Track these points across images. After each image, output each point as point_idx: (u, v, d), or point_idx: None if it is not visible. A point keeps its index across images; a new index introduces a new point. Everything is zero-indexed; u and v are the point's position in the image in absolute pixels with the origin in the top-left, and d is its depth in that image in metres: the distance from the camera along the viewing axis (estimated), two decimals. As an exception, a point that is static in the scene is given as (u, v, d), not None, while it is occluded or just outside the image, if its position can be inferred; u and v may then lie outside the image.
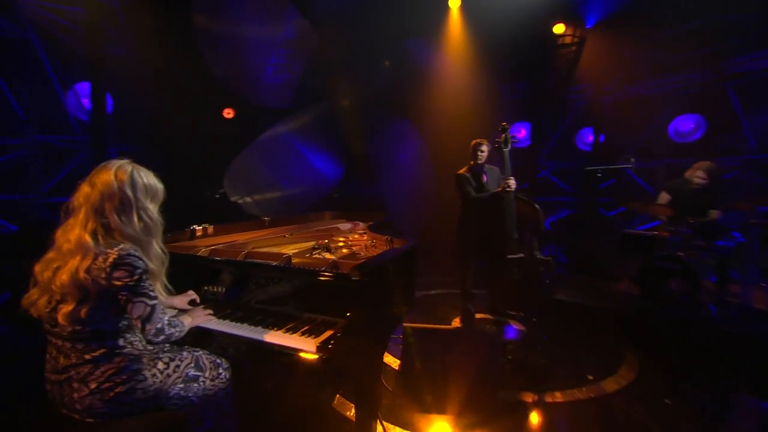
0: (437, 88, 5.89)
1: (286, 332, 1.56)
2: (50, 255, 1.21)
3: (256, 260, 1.90)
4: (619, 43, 5.06)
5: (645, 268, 3.70)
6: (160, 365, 1.28)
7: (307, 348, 1.44)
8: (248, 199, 5.87)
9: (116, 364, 1.21)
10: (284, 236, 2.53)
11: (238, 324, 1.63)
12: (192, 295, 1.70)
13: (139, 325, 1.19)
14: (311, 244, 2.31)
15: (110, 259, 1.17)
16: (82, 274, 1.15)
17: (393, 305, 1.84)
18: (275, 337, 1.53)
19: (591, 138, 5.82)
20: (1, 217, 4.48)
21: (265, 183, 5.99)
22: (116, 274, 1.16)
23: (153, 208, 1.32)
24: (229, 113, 6.03)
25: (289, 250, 2.14)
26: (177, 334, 1.31)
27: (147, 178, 1.33)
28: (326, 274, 1.61)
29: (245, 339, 1.54)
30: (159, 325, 1.24)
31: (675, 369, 2.81)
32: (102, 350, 1.19)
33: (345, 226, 3.12)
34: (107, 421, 1.16)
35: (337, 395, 2.32)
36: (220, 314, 1.69)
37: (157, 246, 1.31)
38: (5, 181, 4.56)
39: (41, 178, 4.84)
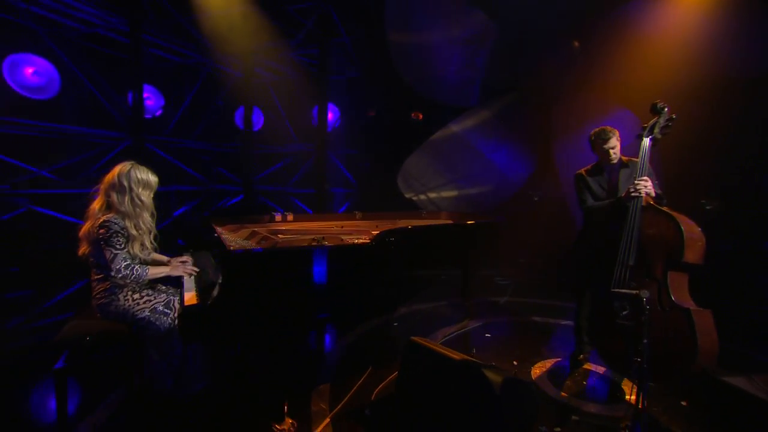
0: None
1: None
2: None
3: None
4: None
5: None
6: (136, 295, 2.01)
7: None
8: (423, 197, 6.39)
9: (104, 286, 2.01)
10: (337, 227, 2.91)
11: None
12: (185, 258, 2.34)
13: (110, 265, 1.93)
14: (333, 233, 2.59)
15: (99, 221, 1.97)
16: (88, 229, 2.01)
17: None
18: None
19: None
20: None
21: (440, 181, 6.33)
22: (99, 231, 1.95)
23: (145, 194, 2.05)
24: (418, 116, 6.75)
25: (306, 239, 2.50)
26: (135, 277, 1.94)
27: (141, 174, 2.07)
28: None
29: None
30: (118, 267, 1.93)
31: None
32: (100, 275, 2.03)
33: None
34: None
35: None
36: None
37: (144, 220, 2.04)
38: (276, 178, 7.23)
39: (290, 175, 7.32)
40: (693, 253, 2.11)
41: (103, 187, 2.04)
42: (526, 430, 1.95)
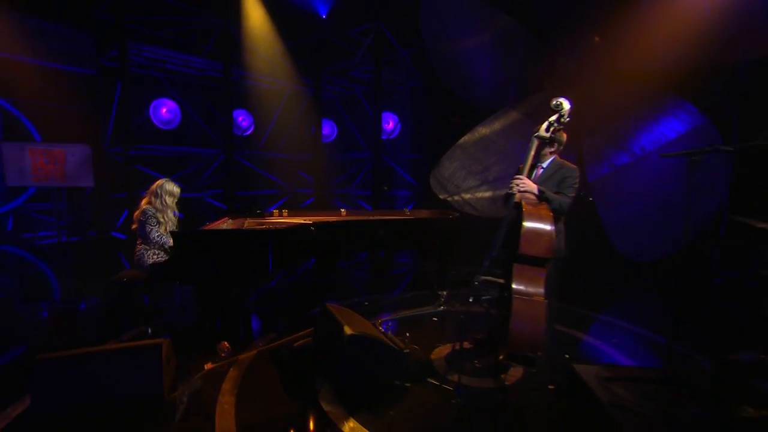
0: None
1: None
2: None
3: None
4: None
5: None
6: (154, 255, 3.31)
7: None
8: (457, 198, 6.83)
9: (139, 248, 3.33)
10: (305, 219, 3.89)
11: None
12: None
13: (148, 236, 3.24)
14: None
15: (141, 210, 3.31)
16: (137, 214, 3.38)
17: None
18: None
19: None
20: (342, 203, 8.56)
21: (472, 183, 6.68)
22: (141, 217, 3.29)
23: (169, 199, 3.34)
24: (457, 119, 7.22)
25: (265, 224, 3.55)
26: (163, 243, 3.21)
27: (168, 186, 3.37)
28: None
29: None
30: (153, 236, 3.21)
31: None
32: (139, 242, 3.36)
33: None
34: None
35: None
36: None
37: (167, 215, 3.33)
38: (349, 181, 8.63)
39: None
40: (532, 247, 2.43)
41: (149, 191, 3.44)
42: (375, 377, 2.60)
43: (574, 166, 2.77)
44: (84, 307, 4.06)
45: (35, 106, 6.75)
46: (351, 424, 2.21)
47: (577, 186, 2.73)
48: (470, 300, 2.54)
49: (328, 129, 9.75)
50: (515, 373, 2.77)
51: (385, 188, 8.57)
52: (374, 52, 7.80)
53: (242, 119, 8.74)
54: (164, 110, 7.52)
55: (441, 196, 6.91)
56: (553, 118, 2.62)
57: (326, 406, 2.36)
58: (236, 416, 2.27)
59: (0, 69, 6.11)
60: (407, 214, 4.66)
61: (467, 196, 6.83)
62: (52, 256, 6.09)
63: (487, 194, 6.69)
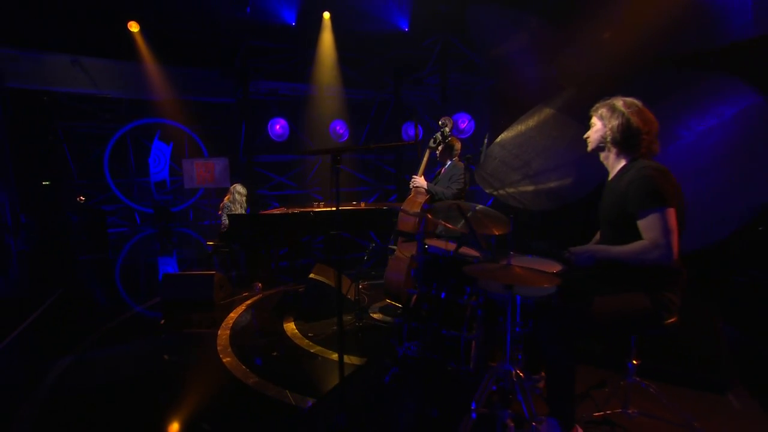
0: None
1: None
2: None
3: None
4: None
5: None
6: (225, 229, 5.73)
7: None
8: (502, 192, 7.77)
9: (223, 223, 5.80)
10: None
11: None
12: None
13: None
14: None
15: (224, 202, 5.77)
16: (223, 203, 5.85)
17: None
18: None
19: None
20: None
21: (515, 178, 7.52)
22: (225, 205, 5.76)
23: (238, 196, 5.75)
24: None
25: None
26: None
27: (240, 187, 5.81)
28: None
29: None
30: (223, 223, 5.67)
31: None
32: (221, 218, 5.83)
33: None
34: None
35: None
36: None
37: (236, 208, 5.72)
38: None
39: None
40: (403, 225, 3.82)
41: (228, 191, 5.92)
42: (323, 309, 4.33)
43: (461, 164, 3.95)
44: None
45: (201, 130, 10.53)
46: (291, 325, 4.07)
47: (462, 179, 3.92)
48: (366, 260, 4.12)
49: (412, 130, 11.48)
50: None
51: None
52: (442, 61, 9.22)
53: (339, 128, 11.22)
54: (278, 126, 10.49)
55: (487, 191, 7.94)
56: (438, 134, 3.91)
57: (285, 318, 4.28)
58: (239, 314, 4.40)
59: (174, 107, 9.98)
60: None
61: (511, 190, 7.70)
62: (210, 234, 9.63)
63: (530, 188, 7.45)
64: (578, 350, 1.87)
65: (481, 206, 2.43)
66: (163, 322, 4.43)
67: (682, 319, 1.85)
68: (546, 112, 6.99)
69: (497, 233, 2.46)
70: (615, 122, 1.90)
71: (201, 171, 9.82)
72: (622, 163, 1.98)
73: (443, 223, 2.92)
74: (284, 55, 9.88)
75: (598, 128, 2.04)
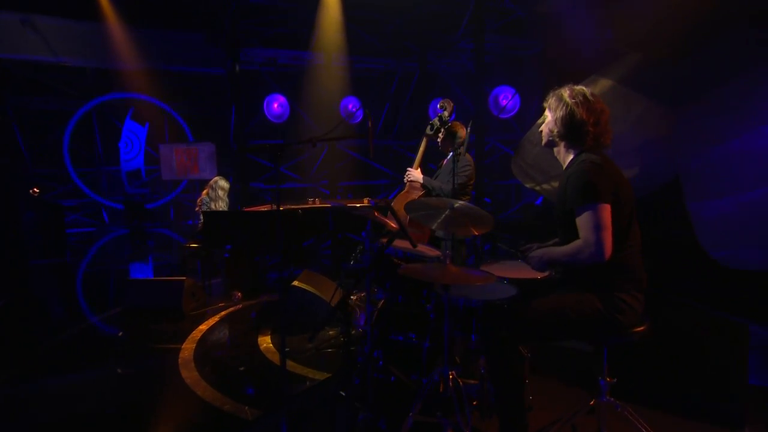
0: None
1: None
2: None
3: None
4: None
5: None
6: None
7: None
8: (546, 187, 8.02)
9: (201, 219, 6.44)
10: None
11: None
12: None
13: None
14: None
15: (201, 197, 6.38)
16: (201, 198, 6.48)
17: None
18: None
19: None
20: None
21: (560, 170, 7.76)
22: (203, 201, 6.38)
23: (221, 192, 6.33)
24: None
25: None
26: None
27: (220, 182, 6.38)
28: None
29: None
30: (199, 220, 6.28)
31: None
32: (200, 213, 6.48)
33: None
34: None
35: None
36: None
37: (218, 204, 6.31)
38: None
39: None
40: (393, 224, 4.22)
41: (208, 184, 6.55)
42: (306, 321, 4.82)
43: (468, 157, 4.33)
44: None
45: (183, 108, 11.33)
46: (266, 338, 4.59)
47: (465, 173, 4.29)
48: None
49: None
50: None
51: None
52: (478, 19, 9.52)
53: (351, 106, 11.74)
54: (276, 105, 11.11)
55: (527, 185, 8.19)
56: (436, 119, 4.30)
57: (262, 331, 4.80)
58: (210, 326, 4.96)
59: (150, 80, 10.74)
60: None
61: (557, 184, 7.94)
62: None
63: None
64: (546, 364, 2.23)
65: (461, 203, 2.76)
66: (121, 334, 5.02)
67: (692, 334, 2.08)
68: (602, 84, 7.16)
69: (477, 233, 2.82)
70: (560, 114, 2.22)
71: (182, 159, 10.57)
72: (570, 157, 2.32)
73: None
74: (284, 16, 10.35)
75: (548, 121, 2.33)
